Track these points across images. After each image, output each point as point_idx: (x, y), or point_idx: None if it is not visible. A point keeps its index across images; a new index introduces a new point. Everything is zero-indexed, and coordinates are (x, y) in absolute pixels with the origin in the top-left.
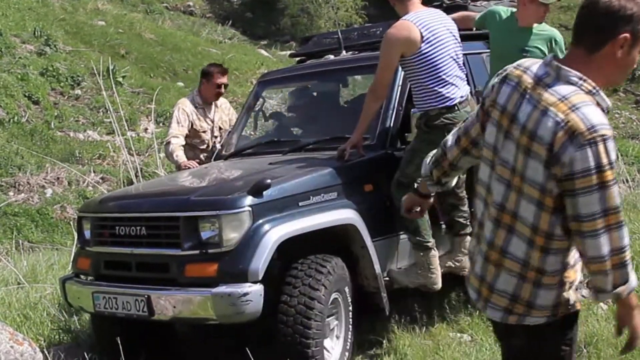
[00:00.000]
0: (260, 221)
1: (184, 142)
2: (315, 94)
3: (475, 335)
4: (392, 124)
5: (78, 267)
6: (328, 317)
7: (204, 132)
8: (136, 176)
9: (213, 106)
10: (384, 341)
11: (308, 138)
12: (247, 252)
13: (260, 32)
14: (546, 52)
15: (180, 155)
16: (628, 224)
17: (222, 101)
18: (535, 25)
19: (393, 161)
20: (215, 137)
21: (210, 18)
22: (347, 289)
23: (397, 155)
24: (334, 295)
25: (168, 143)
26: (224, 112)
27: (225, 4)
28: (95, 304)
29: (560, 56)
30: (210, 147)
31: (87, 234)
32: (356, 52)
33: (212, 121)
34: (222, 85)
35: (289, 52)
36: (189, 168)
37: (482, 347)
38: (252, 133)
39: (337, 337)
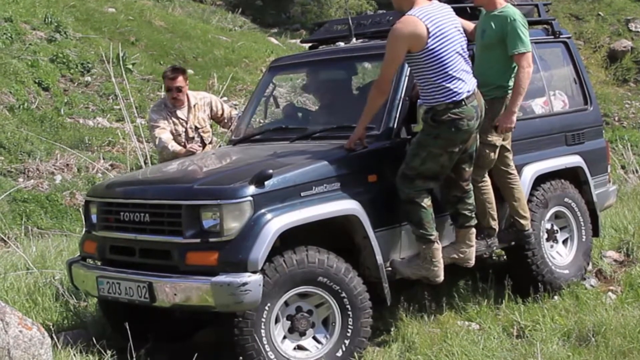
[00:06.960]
0: (262, 211)
1: (172, 137)
2: (324, 81)
3: (484, 324)
4: (398, 114)
5: (85, 250)
6: None
7: (179, 135)
8: (145, 163)
9: (185, 108)
10: (392, 329)
11: (316, 126)
12: (247, 242)
13: (271, 20)
14: (499, 30)
15: (175, 145)
16: (638, 213)
17: (198, 98)
18: (499, 7)
19: (398, 151)
20: (192, 138)
21: (221, 6)
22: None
23: (403, 145)
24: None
25: (159, 140)
26: (200, 109)
27: None
28: (99, 288)
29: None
30: (187, 148)
31: (94, 218)
32: (367, 40)
33: (186, 122)
34: (176, 89)
35: (299, 40)
36: (193, 153)
37: (490, 335)
38: (262, 120)
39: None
